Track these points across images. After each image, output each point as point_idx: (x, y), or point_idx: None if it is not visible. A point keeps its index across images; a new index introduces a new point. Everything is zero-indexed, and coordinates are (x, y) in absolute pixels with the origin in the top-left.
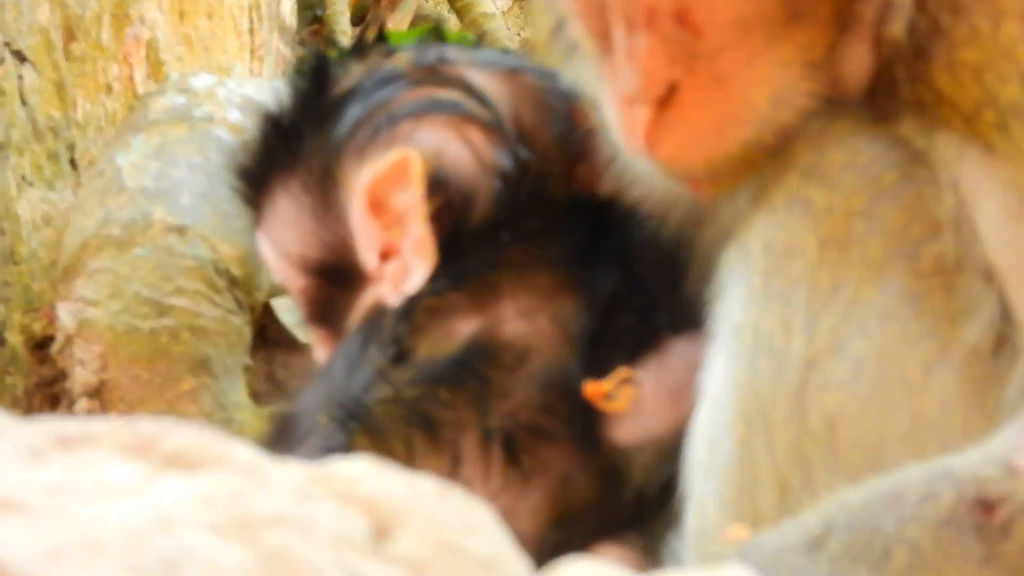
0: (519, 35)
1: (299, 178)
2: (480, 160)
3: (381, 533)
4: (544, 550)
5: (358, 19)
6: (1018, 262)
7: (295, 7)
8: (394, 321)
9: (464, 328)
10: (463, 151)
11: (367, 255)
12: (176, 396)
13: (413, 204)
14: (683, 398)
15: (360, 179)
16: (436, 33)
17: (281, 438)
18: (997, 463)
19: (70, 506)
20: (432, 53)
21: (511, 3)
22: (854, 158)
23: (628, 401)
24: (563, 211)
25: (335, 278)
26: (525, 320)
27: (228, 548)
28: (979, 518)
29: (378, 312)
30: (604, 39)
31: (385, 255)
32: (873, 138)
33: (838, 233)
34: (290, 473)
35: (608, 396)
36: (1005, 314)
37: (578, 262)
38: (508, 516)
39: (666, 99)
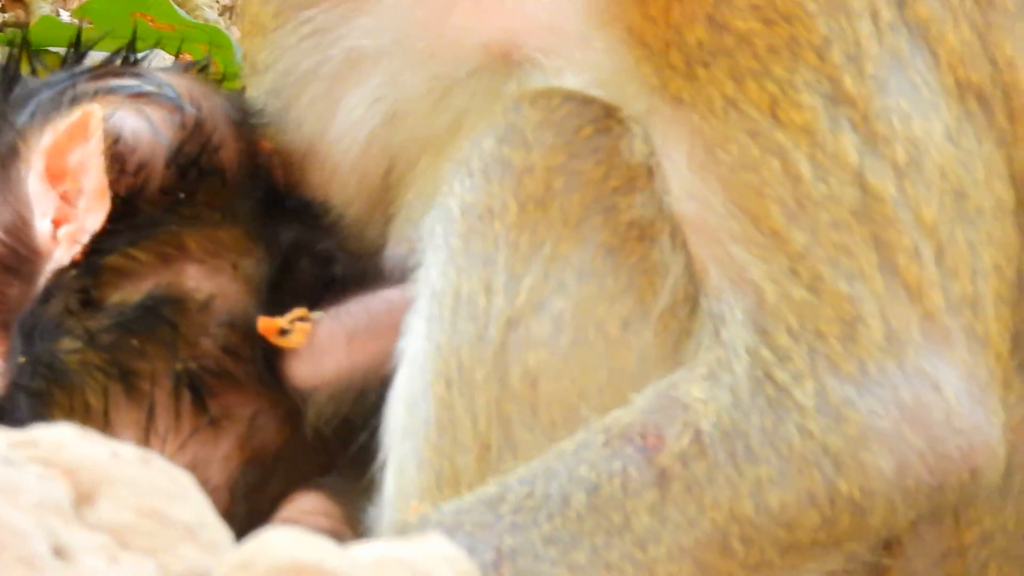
0: (218, 2)
1: None
2: (156, 127)
3: (83, 499)
4: (238, 496)
5: None
6: (700, 210)
7: None
8: (78, 276)
9: (150, 280)
10: (139, 119)
11: (41, 223)
12: None
13: (92, 153)
14: (361, 343)
15: (41, 144)
16: (135, 2)
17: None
18: (656, 399)
19: None
20: (114, 62)
21: None
22: (550, 115)
23: (303, 337)
24: (240, 178)
25: (13, 264)
26: (208, 270)
27: None
28: (642, 443)
29: (59, 273)
30: None
31: (59, 223)
32: (569, 95)
33: (537, 191)
34: (14, 439)
35: (283, 332)
36: (694, 262)
37: (259, 219)
38: (201, 464)
39: None
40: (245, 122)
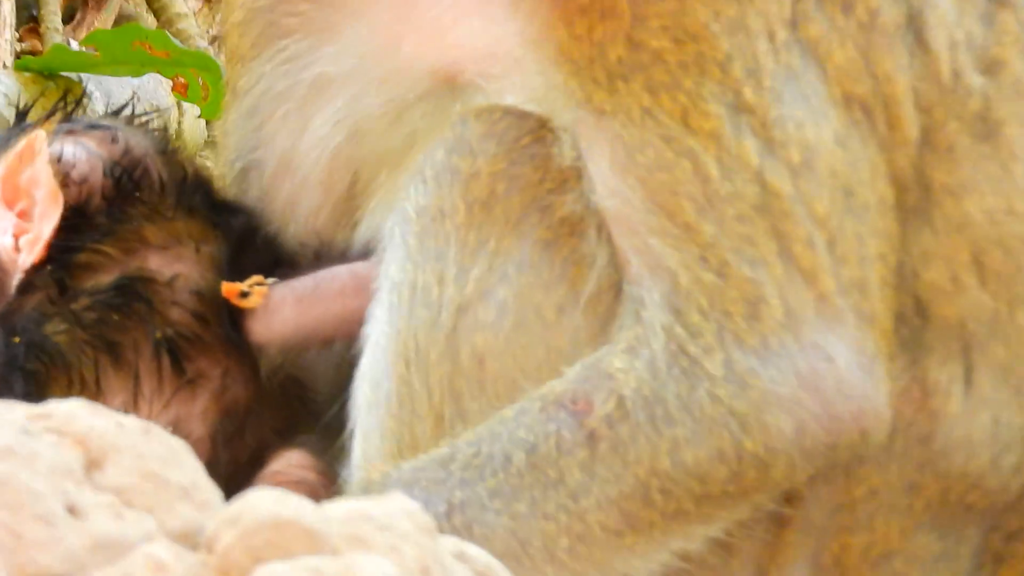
0: (208, 32)
1: None
2: (90, 148)
3: (93, 464)
4: (219, 446)
5: (69, 18)
6: (621, 207)
7: (13, 6)
8: (53, 271)
9: (119, 268)
10: (76, 144)
11: (2, 240)
12: None
13: (41, 167)
14: (308, 306)
15: None
16: (136, 33)
17: None
18: (584, 371)
19: None
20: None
21: (201, 3)
22: (492, 127)
23: (259, 299)
24: (176, 185)
25: None
26: (171, 255)
27: None
28: (573, 408)
29: (32, 271)
30: None
31: (18, 236)
32: (508, 110)
33: (482, 194)
34: (13, 412)
35: (243, 295)
36: (617, 252)
37: (211, 212)
38: (183, 420)
39: None
40: (168, 148)
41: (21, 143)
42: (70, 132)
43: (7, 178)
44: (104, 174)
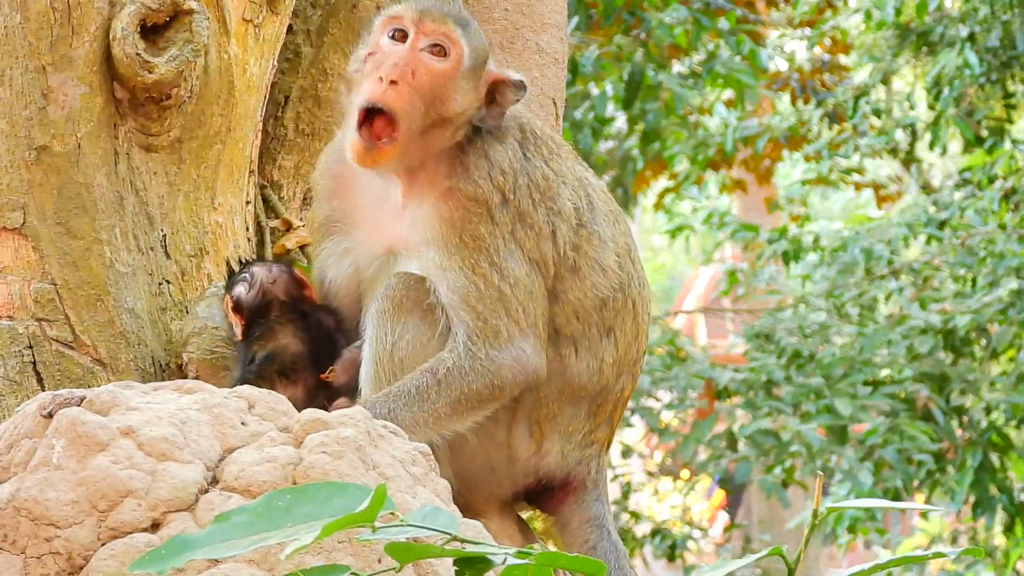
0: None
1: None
2: (248, 290)
3: (250, 407)
4: (304, 404)
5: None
6: (449, 300)
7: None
8: (247, 346)
9: (268, 345)
10: (243, 287)
11: (235, 329)
12: None
13: (231, 310)
14: (348, 368)
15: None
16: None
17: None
18: (435, 359)
19: (153, 406)
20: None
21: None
22: (402, 279)
23: (333, 376)
24: (291, 303)
25: (231, 344)
26: (288, 339)
27: (201, 415)
28: (431, 371)
29: (242, 344)
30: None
31: (235, 326)
32: (408, 273)
33: (397, 302)
34: (223, 391)
35: (327, 375)
36: (448, 316)
37: (302, 320)
38: (290, 397)
39: None
40: (292, 274)
41: (226, 298)
42: (242, 279)
43: (224, 309)
44: (252, 304)
